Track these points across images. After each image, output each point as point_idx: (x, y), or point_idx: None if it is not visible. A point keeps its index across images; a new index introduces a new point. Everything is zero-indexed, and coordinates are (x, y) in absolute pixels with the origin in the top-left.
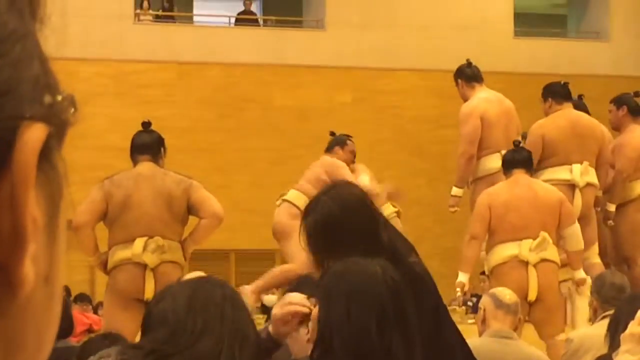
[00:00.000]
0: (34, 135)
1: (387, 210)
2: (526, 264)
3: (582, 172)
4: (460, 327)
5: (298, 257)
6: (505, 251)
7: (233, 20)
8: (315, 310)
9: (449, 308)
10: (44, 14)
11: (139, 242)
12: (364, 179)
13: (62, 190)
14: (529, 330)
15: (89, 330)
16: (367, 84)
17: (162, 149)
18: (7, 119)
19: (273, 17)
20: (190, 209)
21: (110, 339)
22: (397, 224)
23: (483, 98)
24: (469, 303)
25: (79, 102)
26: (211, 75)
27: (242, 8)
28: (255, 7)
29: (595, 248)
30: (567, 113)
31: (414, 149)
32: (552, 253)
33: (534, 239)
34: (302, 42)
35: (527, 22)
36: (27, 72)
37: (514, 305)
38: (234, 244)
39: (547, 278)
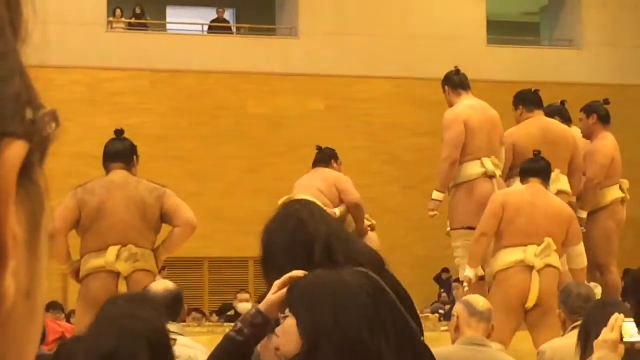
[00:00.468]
0: (13, 152)
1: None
2: (530, 269)
3: (553, 180)
4: (432, 334)
5: None
6: (510, 256)
7: (206, 28)
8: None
9: (421, 316)
10: (25, 33)
11: (112, 250)
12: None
13: (44, 205)
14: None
15: (61, 338)
16: (340, 92)
17: (134, 157)
18: None
19: (246, 25)
20: (163, 217)
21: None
22: (373, 237)
23: (467, 105)
24: (441, 311)
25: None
26: (184, 83)
27: (215, 16)
28: (228, 15)
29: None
30: (537, 120)
31: (387, 156)
32: (555, 259)
33: (539, 245)
34: (275, 50)
35: (500, 30)
36: (8, 89)
37: (487, 312)
38: (207, 252)
39: (549, 283)
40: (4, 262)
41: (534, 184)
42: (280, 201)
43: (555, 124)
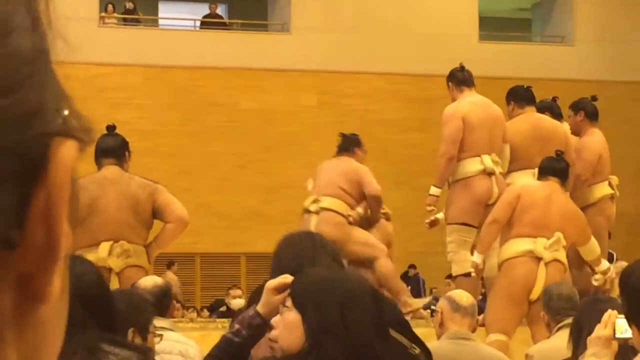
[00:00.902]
0: (66, 153)
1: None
2: (539, 260)
3: None
4: (425, 330)
5: (371, 244)
6: (520, 246)
7: (198, 23)
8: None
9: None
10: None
11: (105, 246)
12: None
13: (78, 200)
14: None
15: None
16: (332, 88)
17: (126, 153)
18: (39, 137)
19: (238, 21)
20: (155, 213)
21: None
22: (387, 226)
23: (468, 101)
24: (432, 307)
25: None
26: (176, 78)
27: (207, 11)
28: (220, 11)
29: None
30: (529, 117)
31: (379, 152)
32: (563, 255)
33: (549, 239)
34: (267, 46)
35: (492, 26)
36: (52, 90)
37: (470, 307)
38: (199, 248)
39: (555, 278)
40: (55, 260)
41: (553, 183)
42: (313, 207)
43: (546, 120)
